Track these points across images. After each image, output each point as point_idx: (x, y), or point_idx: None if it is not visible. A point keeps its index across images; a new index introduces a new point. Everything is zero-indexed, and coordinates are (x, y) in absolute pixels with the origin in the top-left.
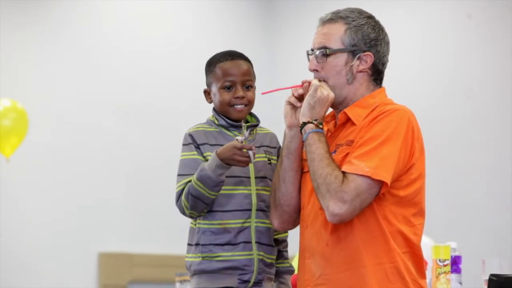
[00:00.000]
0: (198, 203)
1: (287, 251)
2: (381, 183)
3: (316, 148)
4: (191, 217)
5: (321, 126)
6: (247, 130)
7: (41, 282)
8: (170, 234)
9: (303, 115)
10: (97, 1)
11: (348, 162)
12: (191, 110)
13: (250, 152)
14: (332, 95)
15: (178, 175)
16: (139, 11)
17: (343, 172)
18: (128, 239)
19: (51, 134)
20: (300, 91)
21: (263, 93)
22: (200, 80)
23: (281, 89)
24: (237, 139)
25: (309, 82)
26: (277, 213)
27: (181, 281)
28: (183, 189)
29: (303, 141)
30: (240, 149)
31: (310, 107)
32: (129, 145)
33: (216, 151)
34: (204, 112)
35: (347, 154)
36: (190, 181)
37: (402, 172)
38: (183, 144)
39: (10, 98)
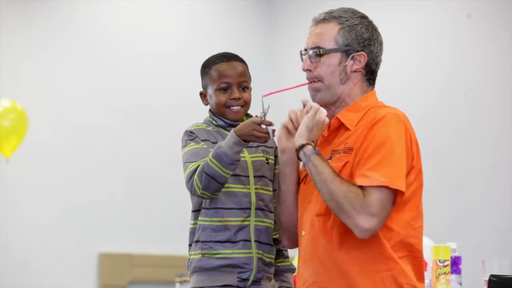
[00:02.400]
0: (211, 182)
1: (286, 250)
2: (396, 192)
3: (323, 168)
4: (202, 197)
5: (316, 148)
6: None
7: (41, 282)
8: (170, 235)
9: (301, 136)
10: (97, 1)
11: (361, 175)
12: (191, 110)
13: (269, 128)
14: (327, 120)
15: (186, 162)
16: (139, 11)
17: (360, 186)
18: (128, 240)
19: (51, 134)
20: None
21: (264, 96)
22: (200, 81)
23: (280, 90)
24: (256, 115)
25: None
26: (285, 234)
27: (181, 282)
28: (195, 169)
29: (298, 159)
30: (259, 124)
31: (308, 129)
32: (129, 145)
33: (233, 129)
34: (204, 112)
35: (346, 162)
36: (203, 163)
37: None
38: (187, 139)
39: (9, 98)
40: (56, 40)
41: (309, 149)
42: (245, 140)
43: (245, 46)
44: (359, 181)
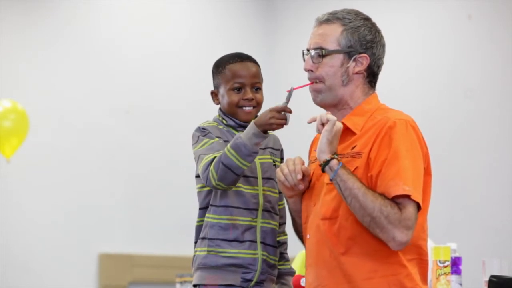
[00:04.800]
0: (228, 173)
1: (287, 253)
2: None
3: (352, 183)
4: (216, 188)
5: (339, 158)
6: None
7: (42, 283)
8: (171, 235)
9: (323, 151)
10: (97, 1)
11: (387, 186)
12: (192, 111)
13: (288, 115)
14: (341, 125)
15: (202, 154)
16: (139, 11)
17: (393, 200)
18: (128, 240)
19: (51, 135)
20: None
21: (287, 91)
22: (200, 81)
23: (298, 87)
24: (277, 105)
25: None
26: None
27: (181, 282)
28: (212, 160)
29: (322, 171)
30: (279, 112)
31: (329, 142)
32: (129, 145)
33: (253, 120)
34: (205, 113)
35: (357, 167)
36: (219, 154)
37: None
38: (200, 135)
39: (10, 99)
40: (56, 40)
41: (334, 163)
42: (264, 130)
43: (245, 46)
44: (390, 192)
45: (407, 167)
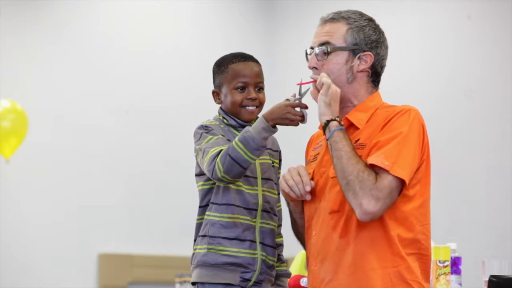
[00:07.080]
0: (234, 166)
1: (283, 254)
2: (403, 183)
3: (342, 145)
4: (222, 181)
5: (342, 122)
6: (302, 89)
7: (41, 283)
8: (170, 235)
9: (323, 114)
10: (97, 1)
11: (369, 159)
12: (192, 110)
13: (305, 111)
14: (339, 89)
15: (207, 148)
16: (139, 11)
17: (375, 172)
18: (128, 240)
19: (50, 135)
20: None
21: (298, 84)
22: (200, 81)
23: (304, 83)
24: (288, 99)
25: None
26: None
27: (181, 282)
28: (218, 152)
29: (327, 140)
30: (294, 107)
31: (327, 105)
32: (129, 145)
33: (263, 114)
34: (205, 112)
35: (360, 156)
36: (226, 147)
37: (414, 171)
38: (203, 133)
39: (9, 99)
40: (56, 40)
41: (333, 125)
42: (275, 125)
43: (245, 46)
44: (369, 160)
45: (396, 147)
